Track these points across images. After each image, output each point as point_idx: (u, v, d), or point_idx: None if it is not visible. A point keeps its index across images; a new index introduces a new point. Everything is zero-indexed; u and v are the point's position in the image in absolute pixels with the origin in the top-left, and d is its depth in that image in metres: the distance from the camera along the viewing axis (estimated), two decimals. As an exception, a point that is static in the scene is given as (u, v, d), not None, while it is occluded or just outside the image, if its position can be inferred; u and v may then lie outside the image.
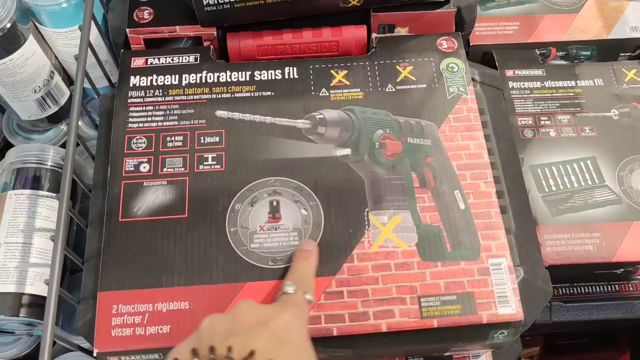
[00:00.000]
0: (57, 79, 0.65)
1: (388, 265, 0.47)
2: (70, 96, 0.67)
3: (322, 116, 0.51)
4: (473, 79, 0.54)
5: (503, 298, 0.46)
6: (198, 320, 0.43)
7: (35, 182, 0.58)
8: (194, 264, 0.46)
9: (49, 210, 0.57)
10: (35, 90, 0.63)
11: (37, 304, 0.54)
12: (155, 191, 0.49)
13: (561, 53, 0.71)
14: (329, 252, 0.47)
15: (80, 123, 0.65)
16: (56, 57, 0.64)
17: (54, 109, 0.66)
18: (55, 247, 0.43)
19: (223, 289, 0.45)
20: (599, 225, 0.59)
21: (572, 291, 0.65)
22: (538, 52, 0.70)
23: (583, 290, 0.65)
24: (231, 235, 0.47)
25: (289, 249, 0.47)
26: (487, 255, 0.47)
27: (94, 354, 0.44)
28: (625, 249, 0.58)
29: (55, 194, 0.57)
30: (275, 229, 0.47)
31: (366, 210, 0.48)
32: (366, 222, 0.48)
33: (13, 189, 0.57)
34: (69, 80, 0.68)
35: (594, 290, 0.65)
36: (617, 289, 0.66)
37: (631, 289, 0.66)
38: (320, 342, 0.46)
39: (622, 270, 0.60)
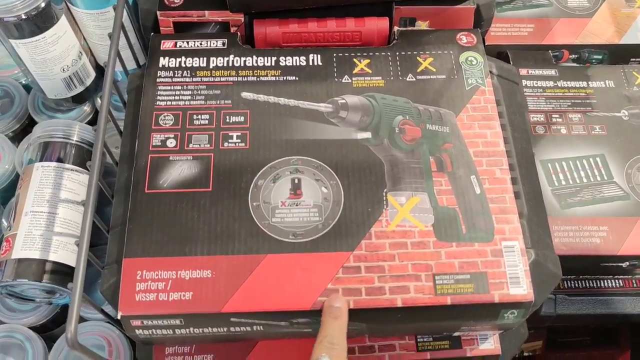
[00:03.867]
0: (85, 59, 0.67)
1: (405, 243, 0.48)
2: (95, 78, 0.69)
3: (344, 101, 0.53)
4: (490, 72, 0.56)
5: (515, 279, 0.47)
6: (219, 289, 0.45)
7: (60, 156, 0.60)
8: (216, 235, 0.48)
9: (73, 182, 0.59)
10: (63, 69, 0.65)
11: (59, 272, 0.56)
12: (180, 165, 0.50)
13: (573, 56, 0.73)
14: (347, 229, 0.48)
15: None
16: (85, 38, 0.66)
17: (79, 89, 0.68)
18: (85, 211, 0.45)
19: (244, 259, 0.47)
20: (606, 220, 0.61)
21: (577, 285, 0.67)
22: (551, 54, 0.72)
23: (588, 285, 0.67)
24: (253, 210, 0.49)
25: (309, 224, 0.48)
26: (500, 238, 0.48)
27: (118, 317, 0.46)
28: (632, 243, 0.60)
29: (79, 167, 0.59)
30: (296, 205, 0.49)
31: (385, 190, 0.50)
32: (384, 202, 0.49)
33: (40, 161, 0.59)
34: (95, 63, 0.70)
35: (599, 285, 0.67)
36: (622, 284, 0.67)
37: (635, 285, 0.67)
38: (336, 315, 0.47)
39: (627, 264, 0.61)
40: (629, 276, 0.64)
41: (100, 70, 0.70)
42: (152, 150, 0.51)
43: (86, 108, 0.71)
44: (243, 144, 0.51)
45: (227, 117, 0.53)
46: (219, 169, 0.50)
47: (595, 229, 0.61)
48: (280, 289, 0.46)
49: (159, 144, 0.51)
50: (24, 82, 0.74)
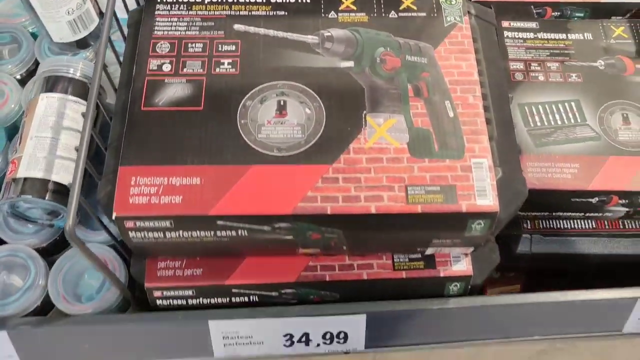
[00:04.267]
0: (89, 5, 0.71)
1: (380, 158, 0.52)
2: (98, 24, 0.73)
3: (329, 34, 0.57)
4: (469, 12, 0.60)
5: (482, 191, 0.51)
6: (207, 194, 0.49)
7: (64, 88, 0.64)
8: (206, 148, 0.52)
9: (75, 113, 0.63)
10: (68, 12, 0.69)
11: (61, 192, 0.60)
12: (175, 87, 0.54)
13: (556, 13, 0.77)
14: (327, 144, 0.52)
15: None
16: (89, -17, 0.70)
17: (83, 33, 0.72)
18: (85, 120, 0.49)
19: (231, 169, 0.51)
20: (578, 158, 0.64)
21: (551, 225, 0.70)
22: (534, 11, 0.76)
23: (562, 225, 0.70)
24: (241, 126, 0.53)
25: (292, 140, 0.52)
26: (470, 156, 0.52)
27: (113, 218, 0.50)
28: (601, 180, 0.63)
29: (82, 99, 0.63)
30: (281, 124, 0.53)
31: (364, 112, 0.54)
32: (363, 123, 0.53)
33: (44, 92, 0.63)
34: (98, 9, 0.74)
35: (573, 226, 0.70)
36: (595, 225, 0.71)
37: (607, 226, 0.71)
38: (315, 221, 0.51)
39: (597, 199, 0.65)
40: (599, 214, 0.68)
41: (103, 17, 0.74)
42: (148, 74, 0.55)
43: (88, 54, 0.75)
44: (233, 70, 0.55)
45: (220, 46, 0.57)
46: (210, 90, 0.54)
47: (567, 165, 0.64)
48: (263, 196, 0.50)
49: (155, 68, 0.55)
50: (31, 30, 0.78)
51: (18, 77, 0.75)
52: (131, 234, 0.51)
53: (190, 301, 0.59)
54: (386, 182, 0.51)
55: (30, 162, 0.59)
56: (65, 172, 0.60)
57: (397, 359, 0.72)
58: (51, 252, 0.66)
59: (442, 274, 0.59)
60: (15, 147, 0.62)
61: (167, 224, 0.50)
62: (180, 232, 0.51)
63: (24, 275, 0.63)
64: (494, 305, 0.61)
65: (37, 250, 0.65)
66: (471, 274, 0.59)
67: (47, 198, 0.59)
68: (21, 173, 0.59)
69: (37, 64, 0.76)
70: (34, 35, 0.78)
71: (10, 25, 0.77)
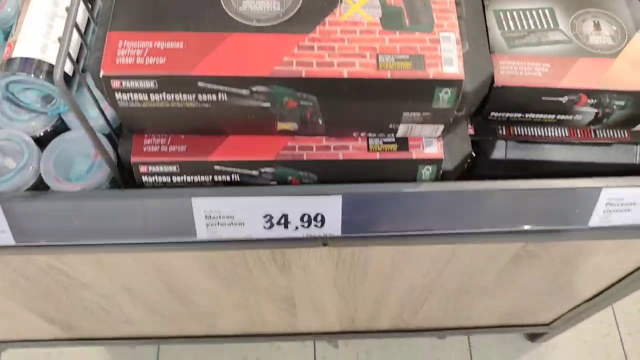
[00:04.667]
0: None
1: (354, 30, 0.55)
2: None
3: None
4: None
5: (449, 60, 0.54)
6: (190, 56, 0.52)
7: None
8: (190, 17, 0.55)
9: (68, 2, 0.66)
10: None
11: (54, 73, 0.63)
12: (162, -37, 0.57)
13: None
14: (304, 17, 0.55)
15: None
16: None
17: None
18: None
19: (213, 36, 0.54)
20: (549, 58, 0.67)
21: (526, 132, 0.73)
22: None
23: (536, 133, 0.73)
24: (224, 1, 0.56)
25: (271, 13, 0.56)
26: (439, 30, 0.55)
27: (100, 76, 0.53)
28: (570, 79, 0.66)
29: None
30: (262, -1, 0.56)
31: (340, -10, 0.57)
32: (339, 0, 0.56)
33: (41, -19, 0.66)
34: None
35: (546, 134, 0.73)
36: (567, 134, 0.74)
37: (579, 134, 0.74)
38: (290, 85, 0.54)
39: (567, 98, 0.68)
40: (570, 116, 0.71)
41: None
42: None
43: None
44: (218, -50, 0.58)
45: None
46: (195, -32, 0.57)
47: (539, 65, 0.67)
48: (242, 59, 0.53)
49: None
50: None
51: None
52: (118, 96, 0.54)
53: (174, 179, 0.62)
54: (358, 51, 0.54)
55: (26, 44, 0.63)
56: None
57: (376, 254, 0.75)
58: (44, 143, 0.69)
59: (414, 156, 0.62)
60: (12, 33, 0.65)
61: (151, 84, 0.53)
62: (164, 94, 0.54)
63: (18, 159, 0.66)
64: (465, 191, 0.64)
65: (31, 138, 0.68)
66: (442, 157, 0.62)
67: (41, 77, 0.62)
68: (17, 53, 0.62)
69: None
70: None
71: None
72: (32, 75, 0.62)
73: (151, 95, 0.54)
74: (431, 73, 0.53)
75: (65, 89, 0.50)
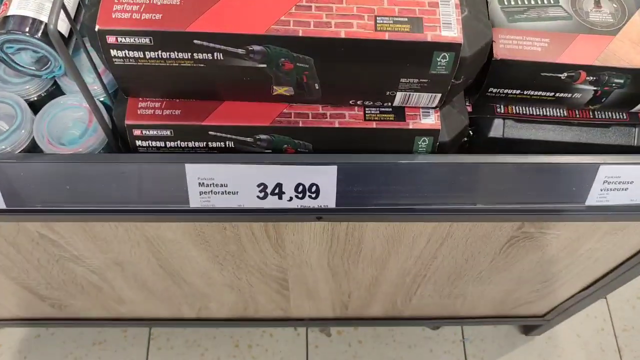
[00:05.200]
0: None
1: (352, -7, 0.55)
2: None
3: None
4: None
5: (447, 24, 0.53)
6: (185, 13, 0.51)
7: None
8: (187, -24, 0.54)
9: (67, -36, 0.65)
10: None
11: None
12: None
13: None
14: (303, -23, 0.55)
15: None
16: None
17: None
18: None
19: (210, -7, 0.54)
20: (548, 33, 0.67)
21: (524, 111, 0.73)
22: None
23: (535, 112, 0.73)
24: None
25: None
26: (438, -6, 0.55)
27: (95, 30, 0.52)
28: (570, 54, 0.66)
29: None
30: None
31: (340, -48, 0.56)
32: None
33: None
34: None
35: (545, 113, 0.73)
36: (566, 114, 0.73)
37: (578, 114, 0.74)
38: (287, 45, 0.54)
39: (565, 75, 0.67)
40: (568, 94, 0.70)
41: None
42: None
43: None
44: None
45: None
46: None
47: (538, 40, 0.67)
48: (239, 17, 0.53)
49: None
50: None
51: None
52: (113, 52, 0.54)
53: (168, 144, 0.62)
54: (356, 12, 0.53)
55: (21, 2, 0.62)
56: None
57: (370, 233, 0.74)
58: (38, 107, 0.69)
59: (411, 126, 0.62)
60: (7, -8, 0.65)
61: (147, 40, 0.53)
62: (159, 52, 0.54)
63: (11, 122, 0.65)
64: (461, 164, 0.63)
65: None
66: (439, 128, 0.62)
67: (37, 37, 0.61)
68: (12, 11, 0.61)
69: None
70: None
71: None
72: (28, 34, 0.61)
73: (147, 52, 0.54)
74: (429, 36, 0.53)
75: (60, 42, 0.49)
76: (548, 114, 0.74)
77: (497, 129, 0.74)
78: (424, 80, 0.57)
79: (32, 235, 0.74)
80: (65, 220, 0.70)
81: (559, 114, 0.74)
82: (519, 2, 0.69)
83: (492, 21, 0.65)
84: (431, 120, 0.62)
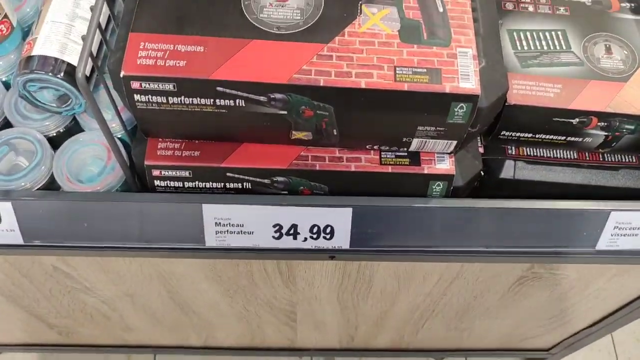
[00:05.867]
0: None
1: (372, 42, 0.56)
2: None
3: None
4: None
5: (465, 76, 0.55)
6: (209, 60, 0.52)
7: (81, -18, 0.68)
8: (211, 22, 0.56)
9: (89, 3, 0.67)
10: None
11: (73, 75, 0.63)
12: (185, -28, 0.58)
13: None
14: (323, 26, 0.56)
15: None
16: None
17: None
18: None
19: (233, 41, 0.55)
20: (561, 79, 0.68)
21: (535, 152, 0.74)
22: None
23: (545, 154, 0.74)
24: (244, 6, 0.57)
25: (291, 21, 0.56)
26: (456, 45, 0.56)
27: (120, 76, 0.53)
28: (582, 101, 0.67)
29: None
30: (282, 6, 0.57)
31: (360, 2, 0.58)
32: (359, 11, 0.57)
33: (62, -17, 0.67)
34: None
35: (555, 155, 0.74)
36: (576, 156, 0.74)
37: (588, 157, 0.75)
38: (308, 93, 0.55)
39: (577, 120, 0.68)
40: (580, 138, 0.71)
41: None
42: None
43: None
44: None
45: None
46: (217, -23, 0.58)
47: (550, 85, 0.68)
48: (261, 66, 0.54)
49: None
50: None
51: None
52: (136, 97, 0.55)
53: (186, 184, 0.63)
54: (377, 62, 0.55)
55: (46, 42, 0.63)
56: (78, 57, 0.63)
57: (381, 272, 0.75)
58: (57, 143, 0.70)
59: (426, 171, 0.62)
60: (32, 31, 0.66)
61: (170, 86, 0.54)
62: (182, 97, 0.55)
63: (31, 157, 0.66)
64: (474, 208, 0.64)
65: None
66: (453, 174, 0.63)
67: (59, 77, 0.62)
68: (36, 51, 0.63)
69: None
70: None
71: None
72: (51, 74, 0.62)
73: (170, 97, 0.55)
74: (448, 87, 0.54)
75: (87, 88, 0.50)
76: (558, 155, 0.75)
77: (508, 170, 0.74)
78: (441, 129, 0.58)
79: (46, 268, 0.75)
80: (80, 255, 0.70)
81: (569, 156, 0.75)
82: (532, 48, 0.71)
83: (505, 66, 0.66)
84: (446, 166, 0.62)
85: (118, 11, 0.67)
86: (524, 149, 0.74)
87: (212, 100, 0.55)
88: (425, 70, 0.54)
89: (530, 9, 0.74)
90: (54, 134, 0.69)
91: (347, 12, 0.57)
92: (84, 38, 0.51)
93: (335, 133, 0.59)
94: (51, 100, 0.67)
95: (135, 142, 0.64)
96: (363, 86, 0.54)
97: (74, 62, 0.64)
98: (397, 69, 0.54)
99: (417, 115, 0.56)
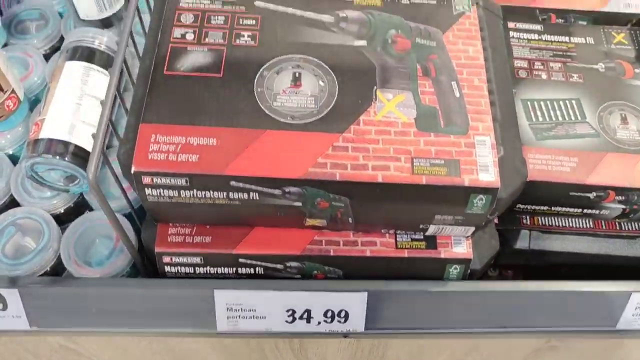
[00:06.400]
0: (118, -16, 0.74)
1: (388, 131, 0.54)
2: (123, 5, 0.77)
3: (345, 15, 0.60)
4: (477, 3, 0.63)
5: (484, 167, 0.53)
6: (223, 154, 0.51)
7: (89, 58, 0.67)
8: (223, 112, 0.54)
9: (98, 82, 0.66)
10: (97, -10, 0.72)
11: (81, 156, 0.62)
12: (197, 54, 0.57)
13: (560, 20, 0.80)
14: (339, 115, 0.55)
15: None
16: (118, -36, 0.74)
17: (108, 12, 0.75)
18: (111, 77, 0.52)
19: (246, 132, 0.53)
20: (577, 152, 0.67)
21: (550, 222, 0.73)
22: (539, 15, 0.79)
23: (561, 223, 0.72)
24: (258, 94, 0.55)
25: (305, 109, 0.55)
26: (474, 133, 0.55)
27: (131, 172, 0.52)
28: (598, 175, 0.66)
29: (105, 69, 0.66)
30: (296, 94, 0.56)
31: (375, 87, 0.56)
32: (374, 97, 0.56)
33: (71, 60, 0.66)
34: (125, -9, 0.77)
35: (571, 224, 0.72)
36: (592, 225, 0.73)
37: (604, 226, 0.73)
38: (324, 187, 0.53)
39: (594, 194, 0.67)
40: (597, 211, 0.70)
41: (128, -1, 0.77)
42: (172, 41, 0.58)
43: (112, 33, 0.78)
44: (253, 42, 0.58)
45: (241, 19, 0.60)
46: (229, 59, 0.57)
47: (566, 159, 0.67)
48: (276, 159, 0.53)
49: (179, 36, 0.58)
50: (59, 9, 0.82)
51: (43, 52, 0.78)
52: (147, 191, 0.53)
53: (197, 270, 0.61)
54: (393, 153, 0.53)
55: (53, 124, 0.62)
56: (87, 137, 0.62)
57: (394, 347, 0.73)
58: (64, 220, 0.68)
59: (442, 255, 0.61)
60: (39, 110, 0.65)
61: (182, 181, 0.52)
62: (195, 191, 0.53)
63: (38, 238, 0.65)
64: (492, 292, 0.63)
65: (52, 216, 0.67)
66: (471, 257, 0.61)
67: (67, 160, 0.61)
68: (43, 134, 0.61)
69: (62, 41, 0.79)
70: (61, 14, 0.81)
71: (39, 3, 0.81)
72: (58, 157, 0.61)
73: (182, 191, 0.53)
74: (466, 180, 0.52)
75: (98, 189, 0.49)
76: (574, 225, 0.73)
77: (523, 240, 0.73)
78: (459, 217, 0.56)
79: (52, 345, 0.73)
80: (88, 335, 0.69)
81: (585, 225, 0.73)
82: (547, 119, 0.70)
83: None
84: (463, 249, 0.61)
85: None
86: (539, 218, 0.73)
87: (225, 193, 0.54)
88: (443, 161, 0.53)
89: (544, 76, 0.72)
90: (62, 211, 0.68)
91: (362, 98, 0.56)
92: (94, 136, 0.49)
93: (350, 221, 0.57)
94: (58, 179, 0.65)
95: (145, 226, 0.62)
96: (380, 180, 0.52)
97: (82, 144, 0.62)
98: (414, 160, 0.53)
99: (435, 205, 0.55)
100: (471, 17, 0.61)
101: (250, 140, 0.53)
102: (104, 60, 0.67)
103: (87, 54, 0.67)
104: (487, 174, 0.53)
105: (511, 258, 0.73)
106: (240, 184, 0.53)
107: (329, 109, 0.55)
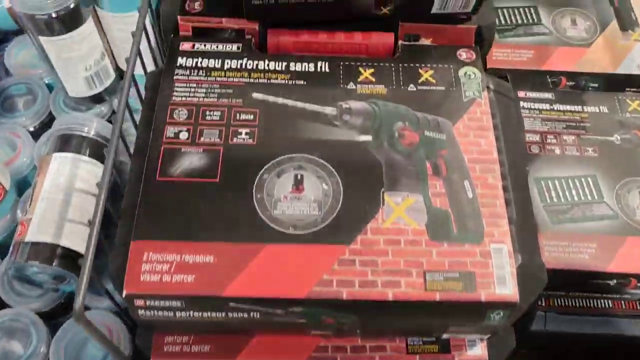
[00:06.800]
0: (107, 61, 0.71)
1: (398, 240, 0.51)
2: (115, 79, 0.73)
3: (348, 106, 0.56)
4: (487, 87, 0.59)
5: (501, 279, 0.49)
6: (220, 274, 0.48)
7: (78, 147, 0.63)
8: (221, 223, 0.50)
9: (88, 174, 0.62)
10: (86, 69, 0.68)
11: (69, 257, 0.59)
12: (191, 156, 0.53)
13: (571, 83, 0.77)
14: (344, 223, 0.51)
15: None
16: (108, 41, 0.70)
17: (99, 89, 0.72)
18: (99, 194, 0.48)
19: (245, 247, 0.50)
20: (595, 237, 0.63)
21: (567, 303, 0.69)
22: (549, 80, 0.75)
23: (578, 304, 0.69)
24: (257, 201, 0.52)
25: (308, 217, 0.51)
26: (489, 240, 0.51)
27: (123, 296, 0.48)
28: (619, 261, 0.62)
29: (95, 160, 0.62)
30: (298, 199, 0.52)
31: (382, 190, 0.53)
32: (381, 201, 0.52)
33: (58, 152, 0.62)
34: (115, 65, 0.74)
35: (589, 305, 0.69)
36: (612, 305, 0.69)
37: (624, 307, 0.69)
38: (329, 306, 0.49)
39: (615, 281, 0.63)
40: (618, 295, 0.66)
41: (120, 72, 0.73)
42: (165, 142, 0.54)
43: (103, 108, 0.75)
44: (251, 140, 0.55)
45: (238, 114, 0.56)
46: (227, 161, 0.53)
47: (585, 245, 0.63)
48: (278, 277, 0.49)
49: (172, 135, 0.54)
50: (46, 81, 0.78)
51: (31, 129, 0.75)
52: (140, 312, 0.50)
53: (196, 375, 0.57)
54: (404, 267, 0.50)
55: (40, 226, 0.58)
56: (75, 237, 0.59)
57: None
58: (54, 315, 0.65)
59: (457, 359, 0.57)
60: (26, 207, 0.61)
61: (178, 303, 0.49)
62: (191, 312, 0.50)
63: (25, 341, 0.61)
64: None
65: (40, 314, 0.63)
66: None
67: (54, 264, 0.58)
68: (30, 237, 0.58)
69: (51, 116, 0.76)
70: (50, 87, 0.78)
71: (26, 76, 0.77)
72: (46, 263, 0.58)
73: (177, 312, 0.50)
74: (483, 295, 0.49)
75: (87, 322, 0.45)
76: (592, 305, 0.70)
77: (539, 322, 0.70)
78: (475, 328, 0.52)
79: None
80: None
81: (603, 306, 0.70)
82: (562, 199, 0.66)
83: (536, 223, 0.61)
84: (478, 351, 0.57)
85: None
86: (555, 300, 0.69)
87: (224, 313, 0.50)
88: (457, 274, 0.49)
89: (557, 151, 0.69)
90: (50, 309, 0.64)
91: (369, 203, 0.52)
92: (80, 264, 0.46)
93: (358, 332, 0.54)
94: (48, 279, 0.62)
95: (140, 331, 0.58)
96: (390, 298, 0.49)
97: (71, 246, 0.59)
98: (427, 274, 0.49)
99: (449, 319, 0.51)
100: (482, 104, 0.57)
101: (250, 257, 0.49)
102: (94, 148, 0.64)
103: (76, 144, 0.63)
104: (505, 288, 0.49)
105: (527, 340, 0.70)
106: (240, 305, 0.49)
107: (334, 216, 0.51)
